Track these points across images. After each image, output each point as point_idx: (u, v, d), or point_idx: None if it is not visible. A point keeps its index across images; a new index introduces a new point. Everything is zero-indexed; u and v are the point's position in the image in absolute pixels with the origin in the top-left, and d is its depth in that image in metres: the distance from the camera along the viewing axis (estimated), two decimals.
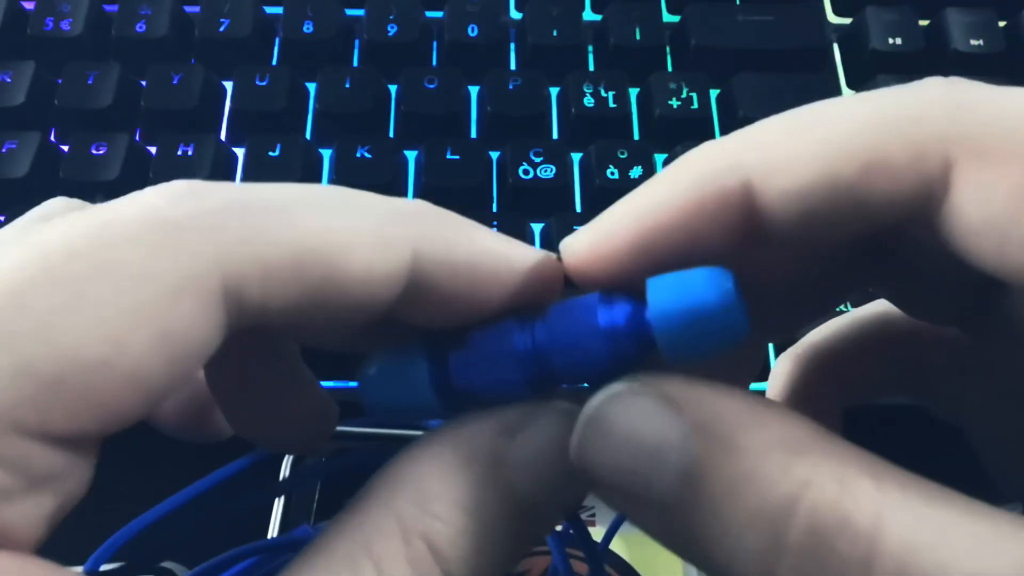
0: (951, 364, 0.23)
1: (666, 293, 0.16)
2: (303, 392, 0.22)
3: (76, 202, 0.19)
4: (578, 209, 0.40)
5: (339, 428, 0.32)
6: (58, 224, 0.15)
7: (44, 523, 0.15)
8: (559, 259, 0.18)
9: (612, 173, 0.40)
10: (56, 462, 0.14)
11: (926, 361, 0.23)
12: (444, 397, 0.18)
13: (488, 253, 0.18)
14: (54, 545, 0.15)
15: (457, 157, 0.40)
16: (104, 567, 0.22)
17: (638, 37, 0.44)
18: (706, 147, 0.17)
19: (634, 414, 0.16)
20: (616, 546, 0.32)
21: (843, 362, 0.24)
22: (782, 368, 0.24)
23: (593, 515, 0.33)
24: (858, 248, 0.20)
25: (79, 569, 0.27)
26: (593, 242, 0.18)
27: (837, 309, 0.25)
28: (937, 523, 0.14)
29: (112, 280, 0.14)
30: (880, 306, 0.24)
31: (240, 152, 0.41)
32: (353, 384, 0.36)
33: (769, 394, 0.24)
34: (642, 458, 0.16)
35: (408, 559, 0.16)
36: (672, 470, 0.15)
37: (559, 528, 0.25)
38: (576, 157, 0.41)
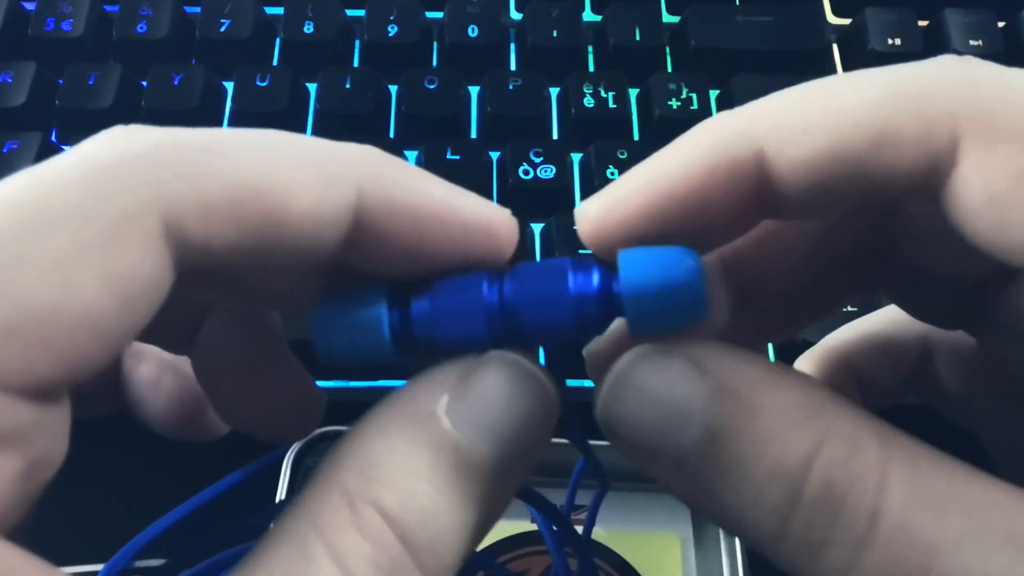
0: (960, 368, 0.23)
1: (637, 265, 0.17)
2: (289, 379, 0.22)
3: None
4: None
5: (335, 428, 0.33)
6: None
7: (16, 486, 0.14)
8: (513, 215, 0.18)
9: (612, 173, 0.40)
10: (19, 416, 0.14)
11: (936, 365, 0.23)
12: (401, 345, 0.18)
13: (435, 199, 0.17)
14: (69, 548, 0.15)
15: (457, 157, 0.40)
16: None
17: (638, 38, 0.44)
18: (720, 116, 0.18)
19: (662, 374, 0.17)
20: (616, 546, 0.32)
21: (858, 365, 0.24)
22: (802, 367, 0.25)
23: None
24: (864, 237, 0.20)
25: (77, 569, 0.27)
26: (605, 207, 0.18)
27: (845, 311, 0.26)
28: (938, 485, 0.15)
29: (52, 226, 0.14)
30: (891, 311, 0.24)
31: None
32: (350, 384, 0.36)
33: None
34: (668, 416, 0.16)
35: (357, 528, 0.15)
36: (695, 428, 0.16)
37: (555, 528, 0.25)
38: (576, 157, 0.41)
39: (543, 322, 0.17)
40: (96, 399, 0.24)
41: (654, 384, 0.17)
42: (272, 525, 0.16)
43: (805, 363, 0.25)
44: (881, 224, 0.20)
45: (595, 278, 0.17)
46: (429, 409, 0.17)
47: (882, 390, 0.24)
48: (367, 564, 0.15)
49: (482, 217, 0.18)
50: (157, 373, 0.24)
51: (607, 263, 0.18)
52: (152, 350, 0.24)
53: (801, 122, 0.16)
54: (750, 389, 0.16)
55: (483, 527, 0.17)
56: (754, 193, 0.17)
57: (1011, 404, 0.21)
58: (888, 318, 0.24)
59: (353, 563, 0.15)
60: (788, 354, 0.36)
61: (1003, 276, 0.19)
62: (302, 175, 0.16)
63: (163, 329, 0.16)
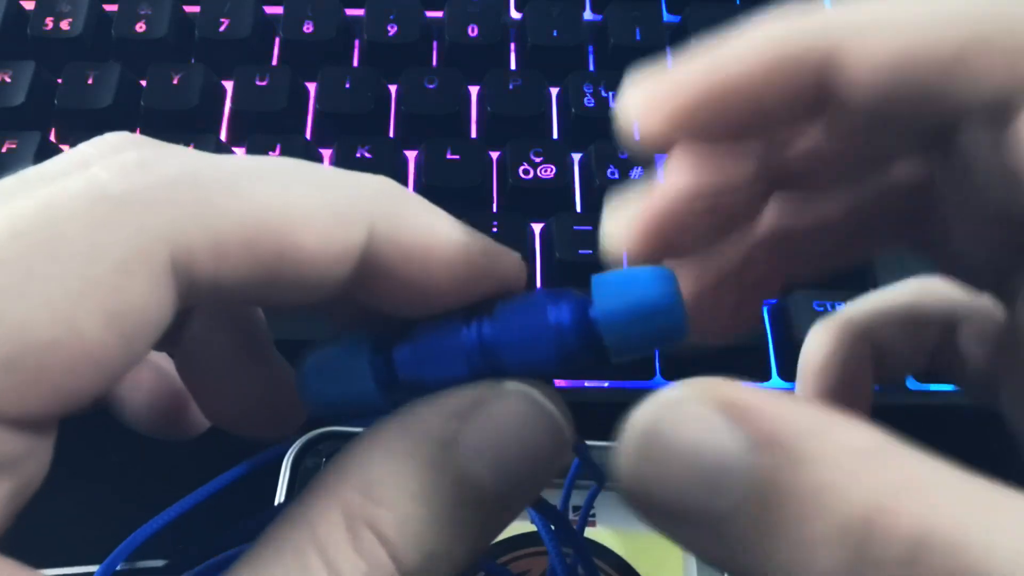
0: (985, 344, 0.22)
1: (610, 291, 0.17)
2: (274, 377, 0.22)
3: (139, 139, 0.18)
4: (578, 209, 0.40)
5: (335, 428, 0.33)
6: (6, 204, 0.14)
7: (2, 508, 0.14)
8: (523, 258, 0.18)
9: (612, 173, 0.40)
10: (11, 446, 0.14)
11: (960, 340, 0.23)
12: (387, 391, 0.18)
13: (445, 240, 0.17)
14: (61, 548, 0.15)
15: (457, 157, 0.40)
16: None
17: (638, 37, 0.44)
18: (789, 9, 0.17)
19: (691, 426, 0.14)
20: (616, 546, 0.32)
21: (877, 337, 0.23)
22: (818, 337, 0.24)
23: (593, 515, 0.33)
24: (908, 171, 0.19)
25: (72, 570, 0.27)
26: (655, 94, 0.17)
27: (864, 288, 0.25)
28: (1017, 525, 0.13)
29: (58, 258, 0.14)
30: (913, 284, 0.23)
31: (240, 152, 0.41)
32: None
33: (802, 361, 0.24)
34: (703, 475, 0.14)
35: (354, 547, 0.15)
36: (736, 487, 0.14)
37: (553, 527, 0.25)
38: (576, 157, 0.41)
39: (524, 359, 0.17)
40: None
41: (687, 439, 0.14)
42: (269, 528, 0.16)
43: (821, 332, 0.24)
44: (933, 156, 0.19)
45: (570, 308, 0.17)
46: (439, 434, 0.16)
47: (901, 364, 0.24)
48: None
49: (490, 258, 0.18)
50: (137, 372, 0.24)
51: (581, 294, 0.17)
52: None
53: (879, 23, 0.16)
54: (796, 436, 0.14)
55: (477, 553, 0.17)
56: (816, 90, 0.16)
57: None
58: (911, 290, 0.23)
59: None
60: (787, 356, 0.36)
61: None
62: (315, 212, 0.16)
63: None
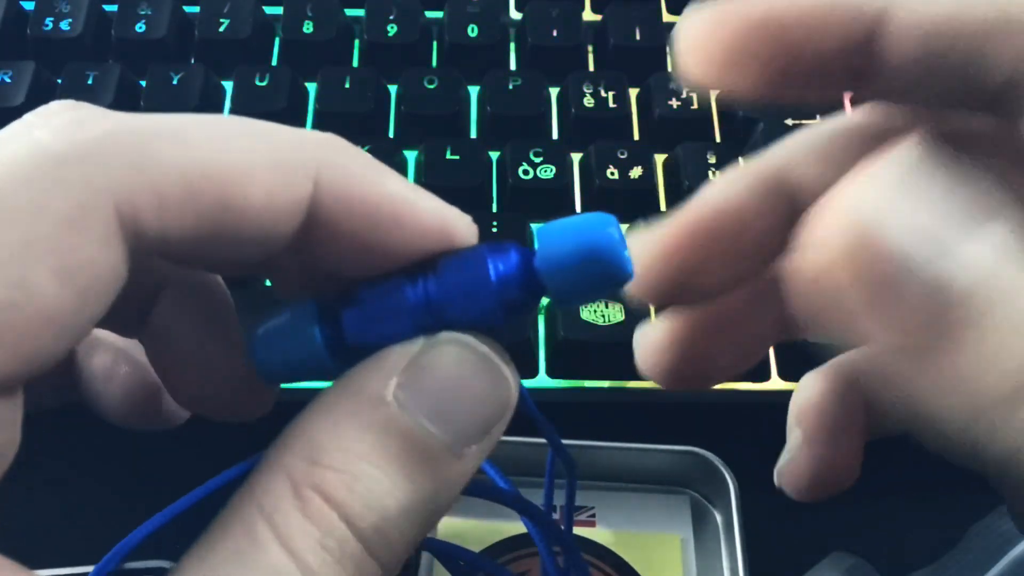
0: None
1: (553, 239, 0.17)
2: (243, 359, 0.22)
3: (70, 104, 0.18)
4: (578, 209, 0.40)
5: None
6: None
7: None
8: (472, 222, 0.18)
9: (612, 173, 0.40)
10: None
11: None
12: (337, 355, 0.18)
13: (392, 196, 0.17)
14: (56, 548, 0.15)
15: (457, 157, 0.40)
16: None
17: (638, 37, 0.44)
18: None
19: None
20: (616, 546, 0.32)
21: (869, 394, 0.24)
22: (813, 387, 0.24)
23: (593, 515, 0.33)
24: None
25: (47, 572, 0.26)
26: (715, 18, 0.17)
27: None
28: None
29: (4, 221, 0.14)
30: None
31: None
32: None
33: (794, 410, 0.24)
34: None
35: (302, 511, 0.15)
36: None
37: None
38: (576, 157, 0.41)
39: (470, 314, 0.17)
40: (48, 392, 0.24)
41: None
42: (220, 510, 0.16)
43: (814, 381, 0.24)
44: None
45: (513, 259, 0.17)
46: (378, 393, 0.16)
47: (891, 419, 0.24)
48: (315, 548, 0.15)
49: (439, 217, 0.17)
50: (111, 364, 0.23)
51: (525, 247, 0.17)
52: (105, 339, 0.23)
53: None
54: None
55: (436, 511, 0.17)
56: (863, 47, 0.16)
57: None
58: None
59: (301, 547, 0.15)
60: (788, 360, 0.36)
61: None
62: (259, 164, 0.16)
63: (115, 312, 0.16)
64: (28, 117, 0.17)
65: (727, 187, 0.17)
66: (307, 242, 0.17)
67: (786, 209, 0.17)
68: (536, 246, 0.17)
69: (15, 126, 0.16)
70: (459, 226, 0.18)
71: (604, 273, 0.17)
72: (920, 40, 0.16)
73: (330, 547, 0.15)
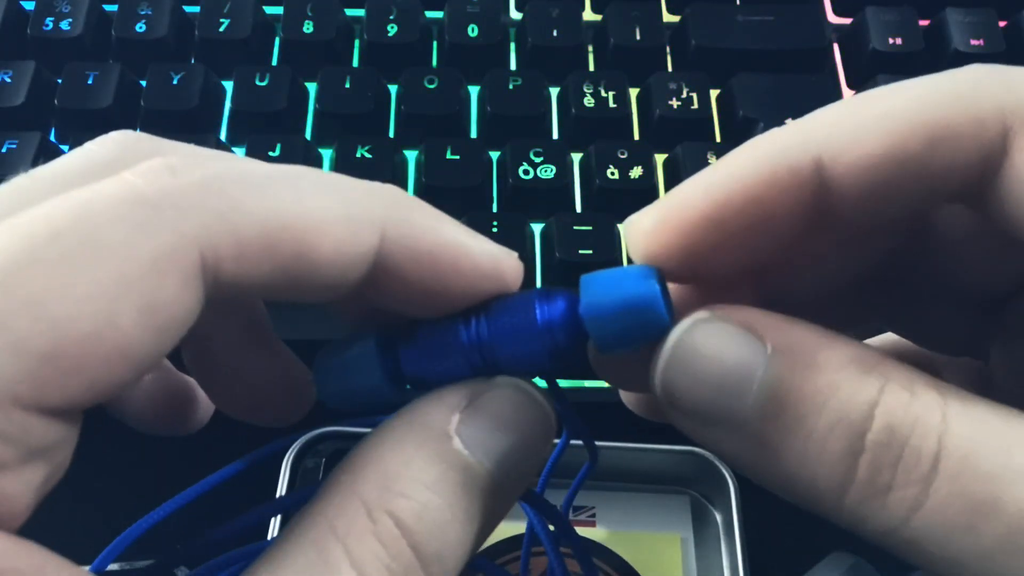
0: (970, 386, 0.23)
1: (597, 289, 0.18)
2: (279, 363, 0.23)
3: (143, 137, 0.19)
4: (578, 209, 0.40)
5: (335, 428, 0.33)
6: (41, 205, 0.15)
7: (34, 496, 0.15)
8: (521, 258, 0.19)
9: (612, 173, 0.40)
10: (49, 433, 0.15)
11: (943, 378, 0.23)
12: (396, 385, 0.19)
13: (451, 244, 0.18)
14: (54, 545, 0.15)
15: (457, 157, 0.40)
16: (110, 567, 0.22)
17: (638, 37, 0.44)
18: (775, 130, 0.18)
19: (720, 338, 0.17)
20: (616, 546, 0.32)
21: None
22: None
23: (593, 515, 0.33)
24: (890, 256, 0.21)
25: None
26: (662, 217, 0.18)
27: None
28: (996, 421, 0.16)
29: (96, 258, 0.15)
30: (892, 336, 0.24)
31: (240, 152, 0.41)
32: None
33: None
34: (727, 378, 0.17)
35: (375, 535, 0.16)
36: (755, 388, 0.16)
37: (552, 527, 0.25)
38: (576, 157, 0.41)
39: (517, 356, 0.18)
40: None
41: (713, 348, 0.17)
42: (273, 527, 0.16)
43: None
44: (912, 241, 0.20)
45: (560, 305, 0.18)
46: (442, 428, 0.18)
47: None
48: (382, 570, 0.16)
49: (492, 260, 0.19)
50: None
51: (572, 293, 0.18)
52: None
53: (856, 127, 0.17)
54: (805, 347, 0.17)
55: (481, 539, 0.18)
56: (811, 202, 0.17)
57: None
58: (891, 337, 0.24)
59: (370, 568, 0.16)
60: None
61: None
62: (332, 218, 0.17)
63: None
64: (97, 149, 0.18)
65: (745, 164, 0.17)
66: (371, 287, 0.18)
67: (811, 186, 0.17)
68: (581, 294, 0.18)
69: (89, 159, 0.18)
70: (509, 266, 0.19)
71: (643, 323, 0.17)
72: (864, 178, 0.17)
73: (395, 571, 0.16)
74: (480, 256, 0.18)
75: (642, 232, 0.18)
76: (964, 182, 0.17)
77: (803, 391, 0.16)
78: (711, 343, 0.17)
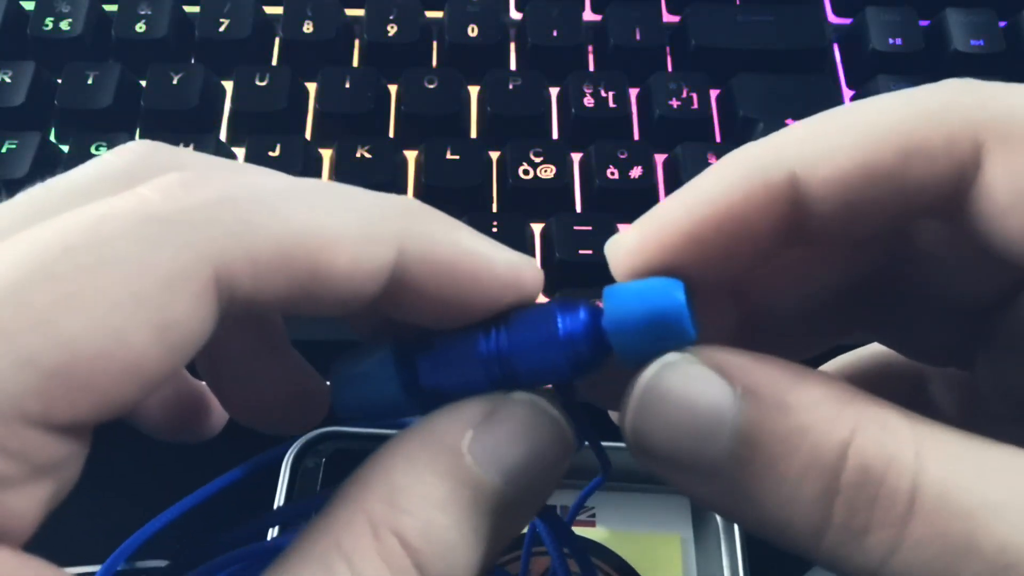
0: (956, 393, 0.23)
1: (620, 301, 0.17)
2: (293, 371, 0.23)
3: (161, 147, 0.19)
4: (578, 209, 0.40)
5: (334, 429, 0.33)
6: (55, 220, 0.15)
7: (41, 512, 0.15)
8: (540, 267, 0.19)
9: (612, 173, 0.40)
10: (57, 450, 0.15)
11: (931, 393, 0.23)
12: (412, 396, 0.19)
13: (470, 255, 0.18)
14: (59, 547, 0.15)
15: (457, 157, 0.40)
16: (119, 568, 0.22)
17: (638, 37, 0.44)
18: (749, 145, 0.18)
19: (687, 382, 0.17)
20: (616, 547, 0.32)
21: None
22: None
23: (593, 515, 0.33)
24: (872, 269, 0.21)
25: (74, 570, 0.27)
26: (644, 236, 0.18)
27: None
28: (971, 456, 0.15)
29: (108, 274, 0.14)
30: (878, 346, 0.24)
31: (240, 152, 0.41)
32: None
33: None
34: (698, 424, 0.16)
35: (379, 553, 0.16)
36: (727, 432, 0.16)
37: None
38: (576, 157, 0.41)
39: (538, 368, 0.18)
40: None
41: (682, 393, 0.17)
42: (294, 541, 0.17)
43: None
44: (892, 254, 0.20)
45: (582, 317, 0.18)
46: (454, 444, 0.17)
47: None
48: None
49: (512, 270, 0.18)
50: None
51: (593, 305, 0.18)
52: None
53: (830, 142, 0.17)
54: (775, 388, 0.16)
55: (491, 558, 0.18)
56: (788, 217, 0.17)
57: (1014, 427, 0.21)
58: (879, 348, 0.24)
59: None
60: None
61: (1010, 292, 0.19)
62: (347, 232, 0.17)
63: None
64: (115, 161, 0.18)
65: (722, 181, 0.17)
66: (389, 300, 0.18)
67: (787, 201, 0.17)
68: (604, 306, 0.18)
69: (105, 171, 0.18)
70: (529, 276, 0.19)
71: (668, 336, 0.17)
72: (838, 192, 0.17)
73: None
74: (500, 267, 0.18)
75: (624, 251, 0.18)
76: (938, 197, 0.17)
77: (775, 434, 0.16)
78: (680, 388, 0.17)
